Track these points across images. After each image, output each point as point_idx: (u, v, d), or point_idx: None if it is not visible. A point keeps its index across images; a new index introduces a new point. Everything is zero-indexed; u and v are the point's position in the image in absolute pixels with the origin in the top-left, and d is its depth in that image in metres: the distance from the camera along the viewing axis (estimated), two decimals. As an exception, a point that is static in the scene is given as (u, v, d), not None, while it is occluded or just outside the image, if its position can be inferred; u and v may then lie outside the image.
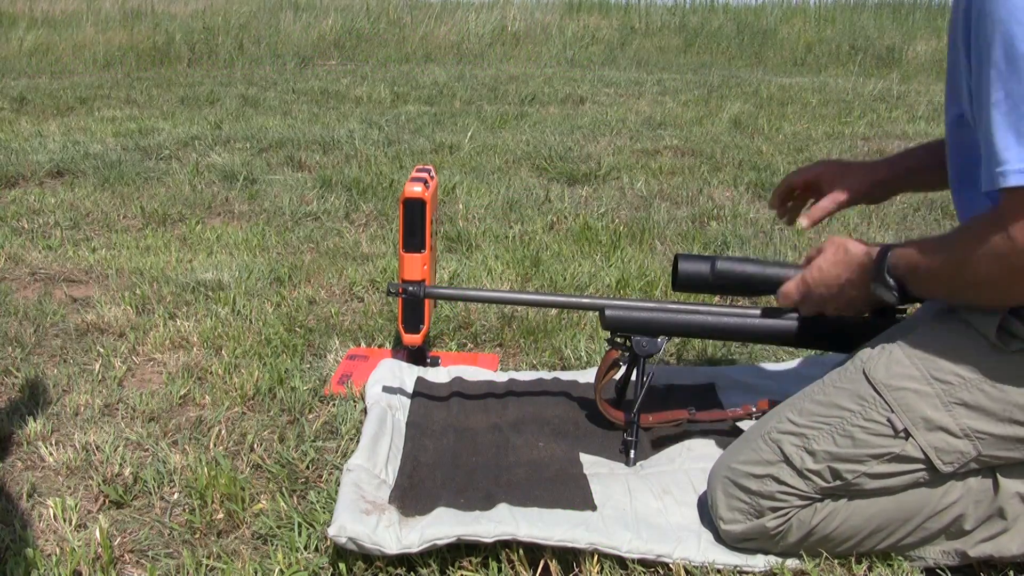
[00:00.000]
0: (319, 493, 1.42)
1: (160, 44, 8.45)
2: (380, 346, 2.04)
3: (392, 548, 1.20)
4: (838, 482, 1.19)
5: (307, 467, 1.51)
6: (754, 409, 1.56)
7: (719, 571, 1.24)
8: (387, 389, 1.71)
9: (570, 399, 1.71)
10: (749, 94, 6.44)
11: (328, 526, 1.23)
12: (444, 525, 1.24)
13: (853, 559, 1.24)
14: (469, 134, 4.63)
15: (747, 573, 1.24)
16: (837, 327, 1.42)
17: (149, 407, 1.72)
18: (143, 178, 3.64)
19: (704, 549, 1.26)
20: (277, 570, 1.24)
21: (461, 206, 3.21)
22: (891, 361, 1.18)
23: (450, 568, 1.24)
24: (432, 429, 1.60)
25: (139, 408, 1.71)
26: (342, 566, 1.23)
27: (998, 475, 1.17)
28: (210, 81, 6.98)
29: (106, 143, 4.38)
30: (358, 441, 1.50)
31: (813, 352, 1.82)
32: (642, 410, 1.51)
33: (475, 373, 1.84)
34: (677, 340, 2.05)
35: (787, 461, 1.21)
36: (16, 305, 2.23)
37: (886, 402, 1.16)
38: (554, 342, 2.04)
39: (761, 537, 1.24)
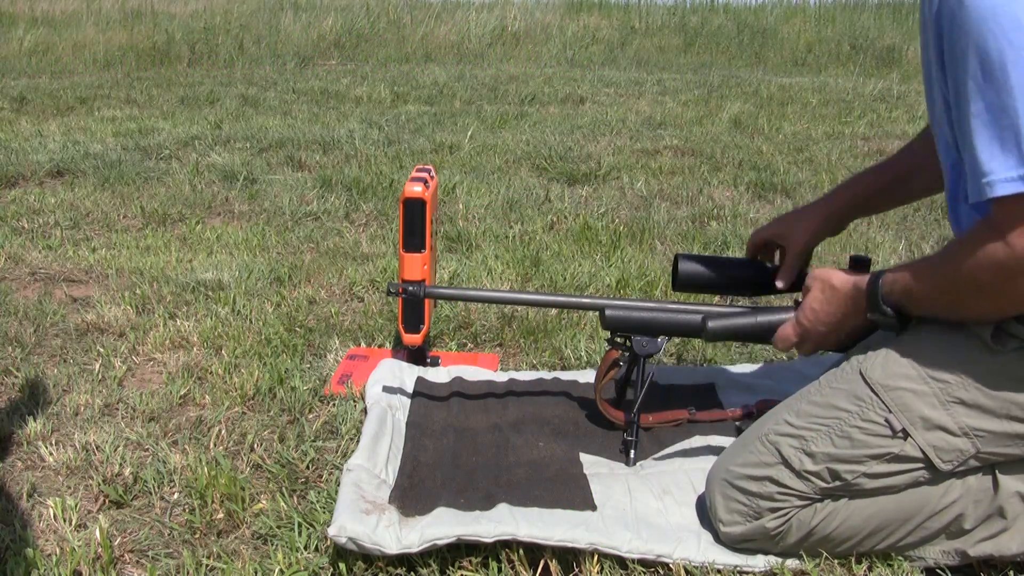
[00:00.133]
0: (319, 493, 1.42)
1: (160, 44, 8.45)
2: (380, 346, 2.04)
3: (392, 548, 1.20)
4: (837, 483, 1.19)
5: (307, 467, 1.51)
6: (754, 409, 1.56)
7: (719, 571, 1.24)
8: (387, 389, 1.71)
9: (570, 399, 1.71)
10: (749, 94, 6.44)
11: (328, 526, 1.23)
12: (444, 525, 1.24)
13: (853, 559, 1.24)
14: (469, 134, 4.64)
15: (747, 573, 1.25)
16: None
17: (149, 407, 1.72)
18: (143, 178, 3.64)
19: (704, 549, 1.26)
20: (277, 570, 1.24)
21: (461, 206, 3.21)
22: (888, 361, 1.18)
23: (450, 568, 1.24)
24: (432, 429, 1.60)
25: (139, 408, 1.71)
26: (342, 566, 1.23)
27: (998, 474, 1.17)
28: (210, 81, 6.98)
29: (106, 143, 4.38)
30: (358, 441, 1.50)
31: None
32: (642, 410, 1.51)
33: (475, 373, 1.84)
34: (677, 340, 2.05)
35: (785, 463, 1.21)
36: (16, 305, 2.23)
37: (883, 402, 1.16)
38: (554, 342, 2.04)
39: (761, 538, 1.24)
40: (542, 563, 1.24)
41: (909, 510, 1.19)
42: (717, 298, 2.13)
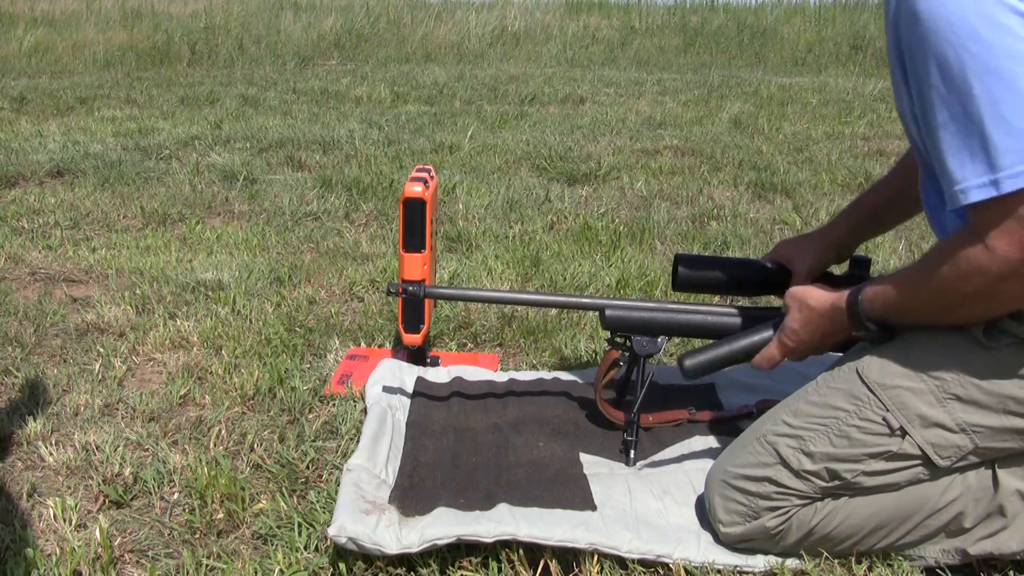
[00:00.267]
0: (319, 493, 1.42)
1: (160, 44, 8.45)
2: (380, 346, 2.04)
3: (392, 548, 1.20)
4: (836, 482, 1.19)
5: (307, 467, 1.51)
6: (754, 409, 1.56)
7: (719, 571, 1.24)
8: (387, 389, 1.71)
9: (570, 399, 1.71)
10: (749, 94, 6.44)
11: (328, 526, 1.23)
12: (444, 525, 1.24)
13: (853, 559, 1.24)
14: (469, 134, 4.64)
15: (747, 573, 1.25)
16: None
17: (149, 407, 1.72)
18: (143, 178, 3.64)
19: (704, 549, 1.26)
20: (277, 570, 1.24)
21: (461, 206, 3.21)
22: (884, 360, 1.19)
23: (450, 568, 1.24)
24: (432, 429, 1.60)
25: (139, 408, 1.71)
26: (342, 566, 1.23)
27: (998, 473, 1.17)
28: (210, 81, 6.99)
29: (106, 143, 4.38)
30: (358, 441, 1.50)
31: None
32: (642, 410, 1.51)
33: (475, 373, 1.84)
34: (677, 340, 2.05)
35: (784, 463, 1.21)
36: (16, 305, 2.23)
37: (881, 401, 1.17)
38: (554, 342, 2.04)
39: (761, 538, 1.24)
40: (542, 563, 1.24)
41: (909, 509, 1.19)
42: (717, 298, 2.13)
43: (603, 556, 1.24)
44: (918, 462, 1.16)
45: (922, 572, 1.24)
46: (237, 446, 1.59)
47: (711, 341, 1.48)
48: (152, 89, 6.45)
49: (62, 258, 2.63)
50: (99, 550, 1.27)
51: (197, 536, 1.33)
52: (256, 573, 1.24)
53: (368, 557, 1.23)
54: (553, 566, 1.24)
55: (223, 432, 1.62)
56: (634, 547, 1.24)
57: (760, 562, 1.25)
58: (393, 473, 1.43)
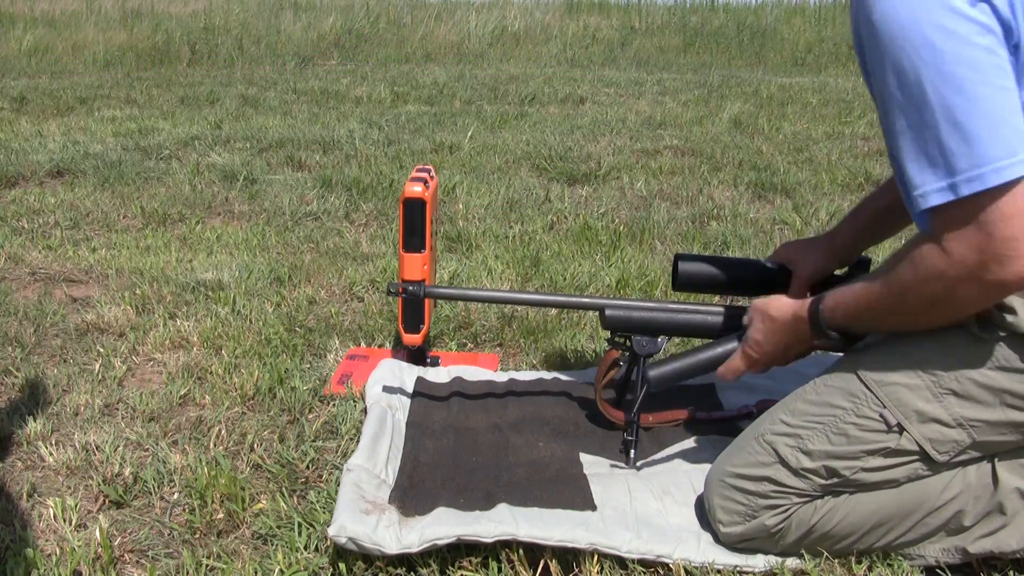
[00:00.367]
0: (319, 493, 1.42)
1: (160, 44, 8.45)
2: (380, 346, 2.04)
3: (392, 548, 1.20)
4: (835, 479, 1.20)
5: (307, 467, 1.51)
6: (754, 409, 1.56)
7: (719, 571, 1.24)
8: (387, 389, 1.71)
9: (570, 399, 1.71)
10: (749, 94, 6.44)
11: (328, 526, 1.23)
12: (444, 525, 1.24)
13: (853, 559, 1.24)
14: (469, 134, 4.64)
15: (747, 573, 1.25)
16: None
17: (149, 407, 1.72)
18: (143, 178, 3.64)
19: (704, 550, 1.26)
20: (277, 570, 1.24)
21: (461, 206, 3.21)
22: (880, 357, 1.20)
23: (450, 568, 1.24)
24: (432, 429, 1.60)
25: (139, 408, 1.71)
26: (342, 566, 1.23)
27: (998, 471, 1.17)
28: (210, 81, 6.99)
29: (106, 143, 4.38)
30: (358, 441, 1.50)
31: (813, 352, 1.82)
32: (642, 410, 1.51)
33: (475, 373, 1.84)
34: (677, 340, 2.05)
35: (782, 462, 1.22)
36: (16, 305, 2.23)
37: (877, 398, 1.17)
38: (554, 342, 2.04)
39: (761, 537, 1.24)
40: (542, 563, 1.24)
41: (909, 506, 1.19)
42: (717, 298, 2.13)
43: (603, 556, 1.24)
44: (916, 457, 1.17)
45: (922, 572, 1.24)
46: (237, 446, 1.59)
47: (706, 338, 1.48)
48: (152, 89, 6.45)
49: (62, 258, 2.63)
50: (99, 550, 1.27)
51: (197, 536, 1.33)
52: (256, 573, 1.24)
53: (368, 557, 1.23)
54: (553, 566, 1.24)
55: (223, 432, 1.62)
56: (634, 547, 1.24)
57: (760, 562, 1.25)
58: (393, 473, 1.43)
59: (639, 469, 1.48)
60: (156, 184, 3.57)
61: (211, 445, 1.58)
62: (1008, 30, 1.01)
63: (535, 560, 1.24)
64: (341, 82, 6.91)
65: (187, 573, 1.24)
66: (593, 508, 1.33)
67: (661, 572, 1.24)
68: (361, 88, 6.54)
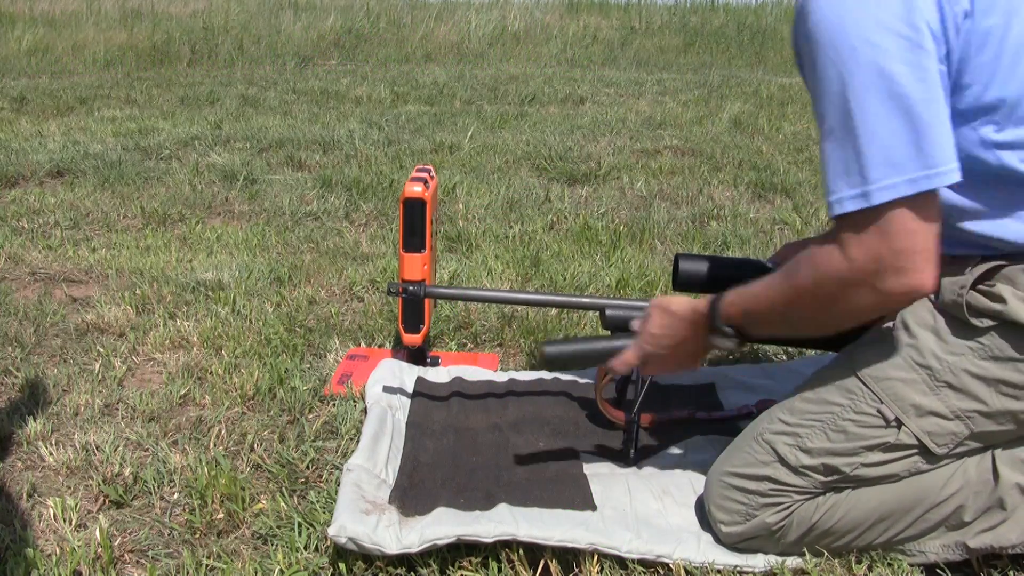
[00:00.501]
0: (319, 493, 1.42)
1: (160, 44, 8.45)
2: (380, 346, 2.04)
3: (392, 548, 1.20)
4: (835, 476, 1.20)
5: (307, 467, 1.51)
6: (754, 409, 1.56)
7: (719, 571, 1.24)
8: (387, 389, 1.71)
9: (570, 399, 1.71)
10: (749, 94, 6.44)
11: (328, 526, 1.23)
12: (444, 525, 1.24)
13: (853, 559, 1.24)
14: (469, 134, 4.64)
15: (747, 573, 1.25)
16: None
17: (149, 407, 1.72)
18: (143, 178, 3.64)
19: (704, 550, 1.26)
20: (277, 570, 1.24)
21: (461, 206, 3.21)
22: (875, 353, 1.20)
23: (450, 568, 1.24)
24: (432, 429, 1.60)
25: (139, 408, 1.71)
26: (342, 566, 1.23)
27: (998, 466, 1.18)
28: (210, 81, 6.99)
29: (106, 143, 4.38)
30: (358, 441, 1.50)
31: (813, 352, 1.82)
32: (642, 410, 1.51)
33: (475, 373, 1.84)
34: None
35: (782, 461, 1.22)
36: (16, 305, 2.23)
37: (874, 393, 1.18)
38: (554, 342, 2.04)
39: (762, 535, 1.24)
40: (542, 563, 1.24)
41: (910, 502, 1.19)
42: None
43: (603, 556, 1.24)
44: (915, 451, 1.17)
45: (922, 571, 1.24)
46: (237, 446, 1.59)
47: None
48: (152, 89, 6.45)
49: (62, 258, 2.63)
50: (99, 550, 1.27)
51: (197, 536, 1.33)
52: (256, 573, 1.24)
53: (368, 557, 1.23)
54: (553, 566, 1.24)
55: (223, 432, 1.62)
56: (634, 547, 1.24)
57: (760, 562, 1.25)
58: (393, 473, 1.43)
59: (639, 469, 1.48)
60: (156, 184, 3.57)
61: (211, 445, 1.58)
62: (939, 44, 1.03)
63: (535, 560, 1.25)
64: (341, 82, 6.91)
65: (187, 573, 1.24)
66: (593, 508, 1.33)
67: (661, 572, 1.24)
68: (361, 88, 6.54)
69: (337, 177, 3.61)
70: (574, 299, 1.63)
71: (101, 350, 1.97)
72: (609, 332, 1.54)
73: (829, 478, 1.21)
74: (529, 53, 9.21)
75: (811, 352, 1.86)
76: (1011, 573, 1.23)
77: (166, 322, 2.12)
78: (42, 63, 7.87)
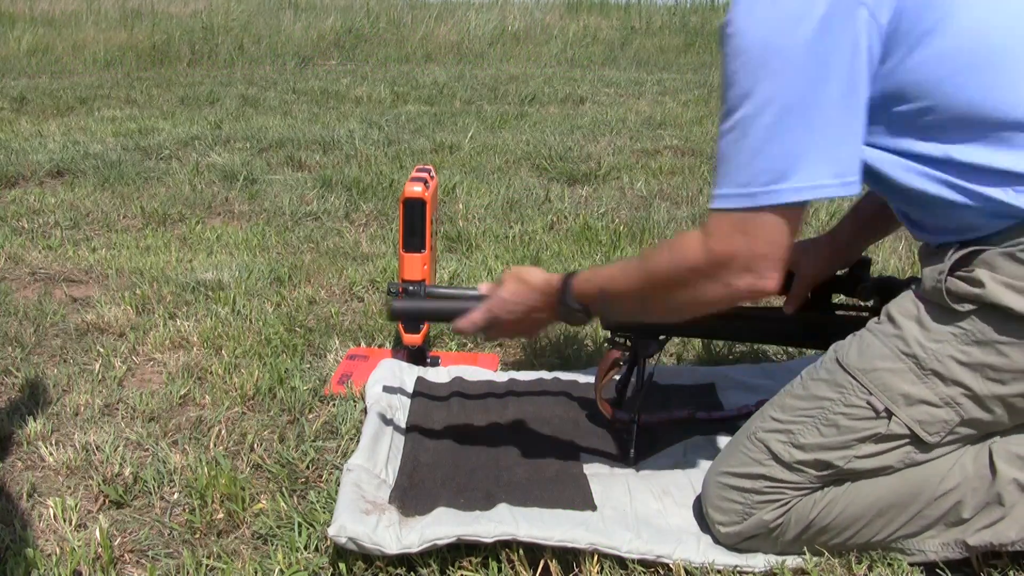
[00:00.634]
0: (319, 493, 1.43)
1: (160, 44, 8.44)
2: (380, 346, 2.04)
3: (392, 548, 1.20)
4: (830, 470, 1.21)
5: (307, 467, 1.51)
6: (754, 409, 1.56)
7: (719, 572, 1.24)
8: (387, 389, 1.71)
9: (570, 399, 1.71)
10: (749, 94, 6.43)
11: (328, 526, 1.23)
12: (444, 525, 1.24)
13: (853, 558, 1.24)
14: (469, 134, 4.64)
15: (747, 573, 1.25)
16: (836, 326, 1.42)
17: (149, 407, 1.72)
18: (143, 178, 3.64)
19: (704, 550, 1.26)
20: (277, 570, 1.24)
21: (461, 206, 3.22)
22: (862, 345, 1.21)
23: (450, 568, 1.24)
24: (432, 429, 1.60)
25: (139, 408, 1.71)
26: (342, 566, 1.23)
27: (995, 461, 1.18)
28: (210, 81, 6.99)
29: (106, 143, 4.38)
30: (358, 441, 1.50)
31: (813, 352, 1.82)
32: (642, 410, 1.51)
33: (475, 373, 1.84)
34: (677, 340, 2.05)
35: (776, 458, 1.23)
36: (16, 305, 2.23)
37: (863, 385, 1.18)
38: (554, 342, 2.04)
39: (761, 533, 1.24)
40: (542, 563, 1.24)
41: (907, 497, 1.19)
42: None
43: (603, 556, 1.24)
44: (907, 441, 1.18)
45: (922, 571, 1.24)
46: (237, 446, 1.59)
47: (708, 340, 1.48)
48: (152, 89, 6.45)
49: (62, 258, 2.63)
50: (99, 550, 1.27)
51: (197, 536, 1.33)
52: (256, 573, 1.24)
53: (368, 557, 1.23)
54: (553, 566, 1.24)
55: (223, 432, 1.62)
56: (634, 547, 1.24)
57: (760, 562, 1.25)
58: (393, 473, 1.43)
59: (639, 469, 1.48)
60: (156, 184, 3.57)
61: (211, 445, 1.58)
62: (866, 53, 1.04)
63: (535, 560, 1.25)
64: (341, 82, 6.91)
65: (187, 573, 1.24)
66: (593, 508, 1.33)
67: (661, 572, 1.24)
68: (361, 88, 6.54)
69: (337, 177, 3.61)
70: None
71: (101, 350, 1.97)
72: (608, 332, 1.54)
73: (824, 472, 1.21)
74: (529, 53, 9.21)
75: (811, 352, 1.86)
76: (1011, 573, 1.23)
77: (166, 322, 2.12)
78: (42, 63, 7.87)
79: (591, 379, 1.77)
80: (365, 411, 1.66)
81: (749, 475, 1.24)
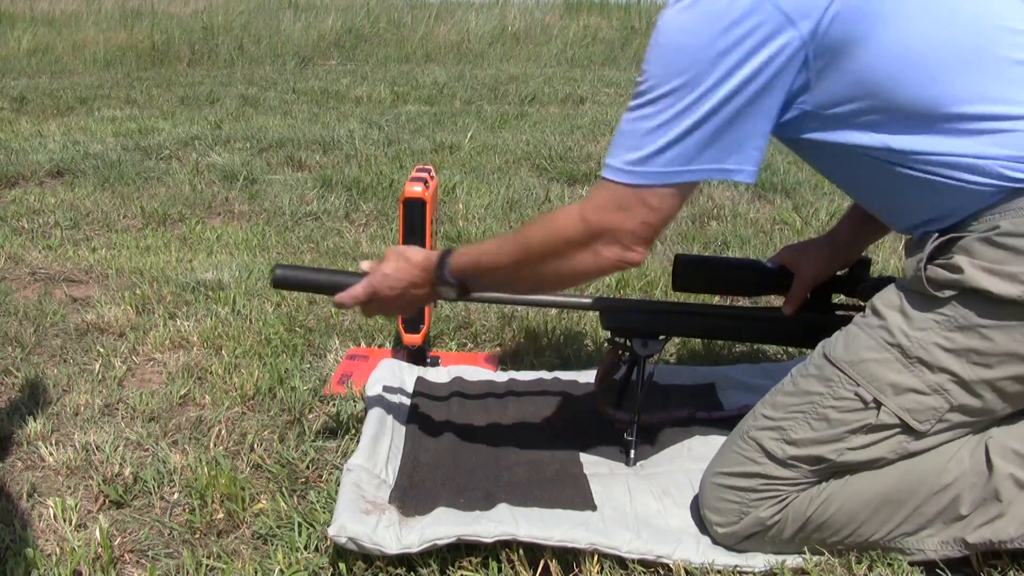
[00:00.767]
0: (319, 493, 1.43)
1: (160, 44, 8.44)
2: (380, 346, 2.04)
3: (392, 548, 1.20)
4: (823, 464, 1.21)
5: (307, 467, 1.51)
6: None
7: (719, 572, 1.24)
8: (387, 389, 1.71)
9: (570, 399, 1.71)
10: (749, 94, 6.43)
11: (328, 526, 1.23)
12: (444, 525, 1.24)
13: (853, 558, 1.24)
14: (469, 134, 4.64)
15: (747, 573, 1.25)
16: (835, 327, 1.42)
17: (149, 407, 1.72)
18: (143, 178, 3.64)
19: (704, 550, 1.26)
20: (277, 570, 1.24)
21: (461, 206, 3.22)
22: (848, 338, 1.22)
23: (450, 568, 1.24)
24: (432, 429, 1.60)
25: (139, 408, 1.71)
26: (342, 566, 1.23)
27: (992, 457, 1.18)
28: (210, 81, 6.99)
29: (106, 143, 4.38)
30: (358, 441, 1.50)
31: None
32: (642, 410, 1.51)
33: (475, 373, 1.84)
34: (677, 340, 2.05)
35: (769, 456, 1.23)
36: (16, 305, 2.23)
37: (850, 377, 1.19)
38: (554, 342, 2.04)
39: (758, 532, 1.24)
40: (542, 563, 1.24)
41: (905, 493, 1.20)
42: (717, 298, 2.13)
43: (603, 556, 1.24)
44: (898, 430, 1.18)
45: (922, 571, 1.24)
46: (237, 446, 1.59)
47: (708, 340, 1.48)
48: (152, 89, 6.45)
49: (62, 258, 2.63)
50: (99, 550, 1.27)
51: (197, 536, 1.33)
52: (256, 573, 1.24)
53: (368, 557, 1.23)
54: (553, 566, 1.24)
55: (223, 432, 1.62)
56: (634, 547, 1.24)
57: (760, 562, 1.25)
58: (393, 473, 1.43)
59: (639, 469, 1.48)
60: (156, 184, 3.57)
61: (211, 445, 1.58)
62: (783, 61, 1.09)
63: (535, 560, 1.25)
64: (341, 82, 6.91)
65: (187, 573, 1.24)
66: (593, 508, 1.33)
67: (661, 572, 1.24)
68: (361, 88, 6.54)
69: (337, 177, 3.61)
70: (574, 299, 1.63)
71: (101, 350, 1.97)
72: (608, 332, 1.54)
73: (817, 467, 1.22)
74: (529, 53, 9.21)
75: (810, 352, 1.86)
76: (1011, 572, 1.23)
77: (166, 322, 2.12)
78: (42, 63, 7.87)
79: (591, 379, 1.77)
80: (365, 411, 1.66)
81: (744, 474, 1.25)
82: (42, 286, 2.42)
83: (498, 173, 3.82)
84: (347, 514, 1.23)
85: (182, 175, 3.71)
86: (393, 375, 1.77)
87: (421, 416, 1.64)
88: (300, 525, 1.33)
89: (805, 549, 1.25)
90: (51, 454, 1.53)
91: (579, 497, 1.36)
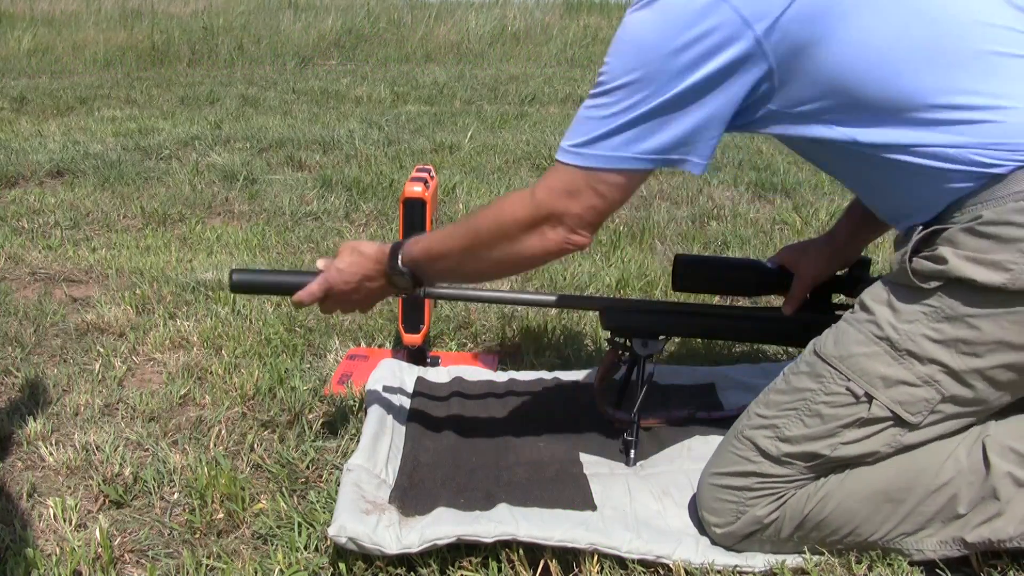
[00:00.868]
0: (319, 493, 1.43)
1: (160, 44, 8.44)
2: (380, 346, 2.04)
3: (392, 548, 1.20)
4: (818, 460, 1.21)
5: (307, 467, 1.51)
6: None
7: (719, 572, 1.24)
8: (387, 389, 1.71)
9: (570, 399, 1.71)
10: (749, 94, 6.43)
11: (328, 526, 1.23)
12: (444, 525, 1.24)
13: (853, 558, 1.24)
14: (469, 134, 4.64)
15: (747, 573, 1.25)
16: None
17: (149, 407, 1.72)
18: (143, 178, 3.64)
19: (703, 551, 1.26)
20: (277, 570, 1.24)
21: (461, 206, 3.22)
22: (837, 333, 1.22)
23: (450, 568, 1.24)
24: (432, 429, 1.60)
25: (139, 408, 1.71)
26: (342, 566, 1.23)
27: (989, 455, 1.18)
28: (210, 81, 6.99)
29: (106, 143, 4.38)
30: (358, 441, 1.50)
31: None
32: (642, 410, 1.51)
33: (475, 373, 1.84)
34: (677, 340, 2.05)
35: (764, 454, 1.24)
36: (16, 305, 2.23)
37: (841, 372, 1.19)
38: (554, 342, 2.04)
39: (756, 531, 1.24)
40: (542, 563, 1.24)
41: (902, 491, 1.19)
42: (717, 298, 2.13)
43: (603, 556, 1.24)
44: (890, 423, 1.18)
45: (922, 571, 1.23)
46: (237, 446, 1.59)
47: (708, 340, 1.48)
48: (152, 89, 6.45)
49: (62, 258, 2.63)
50: (99, 550, 1.27)
51: (197, 536, 1.33)
52: (256, 573, 1.24)
53: (368, 557, 1.23)
54: (553, 566, 1.24)
55: (223, 432, 1.62)
56: (634, 547, 1.24)
57: (760, 562, 1.25)
58: (393, 473, 1.43)
59: (639, 469, 1.48)
60: (156, 184, 3.57)
61: (211, 445, 1.58)
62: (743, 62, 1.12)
63: (535, 560, 1.25)
64: (341, 82, 6.91)
65: (187, 573, 1.24)
66: (593, 508, 1.33)
67: (661, 573, 1.24)
68: (361, 88, 6.54)
69: (337, 177, 3.61)
70: (574, 299, 1.63)
71: (101, 350, 1.97)
72: (608, 332, 1.54)
73: (812, 463, 1.22)
74: (529, 53, 9.21)
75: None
76: (1011, 572, 1.23)
77: (166, 322, 2.12)
78: (42, 63, 7.87)
79: (591, 379, 1.77)
80: (365, 411, 1.66)
81: (740, 473, 1.25)
82: (42, 286, 2.42)
83: (498, 173, 3.82)
84: (347, 514, 1.23)
85: (182, 175, 3.71)
86: (393, 375, 1.77)
87: (421, 416, 1.64)
88: (300, 525, 1.33)
89: (805, 549, 1.25)
90: (51, 454, 1.53)
91: (579, 497, 1.36)
